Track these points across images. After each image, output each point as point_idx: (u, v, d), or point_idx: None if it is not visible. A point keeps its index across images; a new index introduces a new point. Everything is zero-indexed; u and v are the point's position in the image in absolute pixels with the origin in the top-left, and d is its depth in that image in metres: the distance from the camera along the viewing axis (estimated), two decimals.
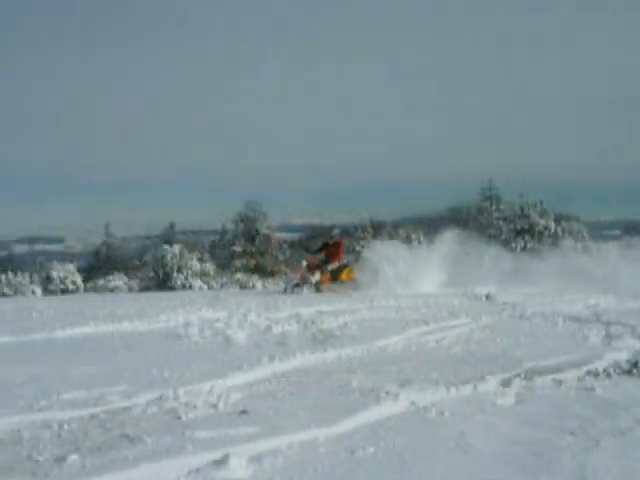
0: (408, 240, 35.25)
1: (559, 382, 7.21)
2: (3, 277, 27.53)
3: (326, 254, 20.37)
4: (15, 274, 28.07)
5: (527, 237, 31.43)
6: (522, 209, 32.64)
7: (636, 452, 5.08)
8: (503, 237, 32.69)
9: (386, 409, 6.02)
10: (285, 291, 20.02)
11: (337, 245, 20.50)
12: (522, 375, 7.43)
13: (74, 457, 4.66)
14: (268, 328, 11.24)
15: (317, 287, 19.73)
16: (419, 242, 34.95)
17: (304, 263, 20.36)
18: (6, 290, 26.37)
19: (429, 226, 49.48)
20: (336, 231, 21.16)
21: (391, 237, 35.73)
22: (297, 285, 19.94)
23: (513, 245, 32.39)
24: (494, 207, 34.98)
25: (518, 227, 31.83)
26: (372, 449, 4.91)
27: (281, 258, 35.94)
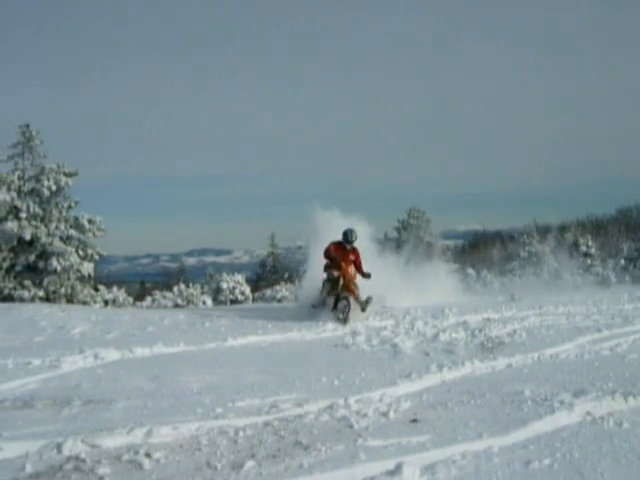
0: (576, 245, 34.15)
1: None
2: (176, 288, 28.52)
3: (342, 260, 14.81)
4: (187, 285, 29.03)
5: None
6: None
7: None
8: None
9: (561, 419, 5.85)
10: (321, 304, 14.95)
11: (357, 253, 15.18)
12: None
13: (250, 464, 4.76)
14: (435, 336, 11.17)
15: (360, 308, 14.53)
16: (587, 247, 33.79)
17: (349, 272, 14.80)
18: (179, 301, 27.31)
19: (598, 229, 47.84)
20: (356, 235, 15.22)
21: (557, 242, 34.69)
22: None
23: None
24: None
25: None
26: (548, 461, 4.76)
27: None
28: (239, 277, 29.69)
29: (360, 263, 15.10)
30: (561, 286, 28.64)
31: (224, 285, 28.67)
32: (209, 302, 27.31)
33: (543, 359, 9.08)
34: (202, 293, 28.60)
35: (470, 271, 31.23)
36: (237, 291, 28.71)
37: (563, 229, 40.52)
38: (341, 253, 14.92)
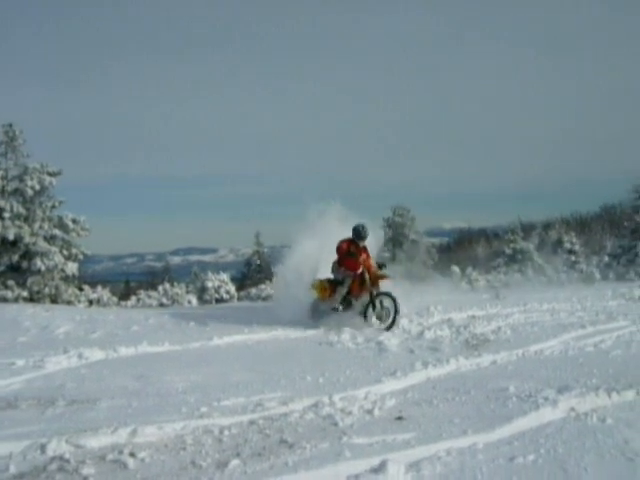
0: (560, 242, 34.26)
1: None
2: (161, 288, 28.42)
3: (354, 261, 13.27)
4: (172, 285, 28.92)
5: None
6: None
7: None
8: None
9: (545, 415, 5.87)
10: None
11: (367, 252, 13.70)
12: None
13: (235, 462, 4.76)
14: (420, 334, 11.20)
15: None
16: (571, 244, 33.91)
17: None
18: (164, 300, 27.20)
19: (582, 226, 48.12)
20: (368, 231, 13.74)
21: (542, 239, 34.80)
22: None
23: None
24: None
25: None
26: (532, 456, 4.78)
27: (430, 263, 35.61)
28: (224, 276, 29.61)
29: (370, 258, 13.57)
30: (545, 283, 28.78)
31: (209, 284, 28.57)
32: (194, 301, 27.22)
33: (527, 356, 9.11)
34: (187, 292, 28.50)
35: (455, 268, 31.24)
36: (222, 290, 28.63)
37: (547, 226, 40.70)
38: (354, 251, 13.35)
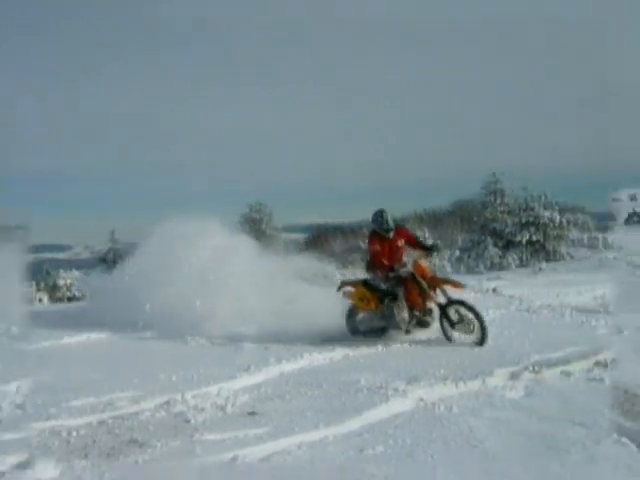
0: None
1: (567, 374, 7.16)
2: None
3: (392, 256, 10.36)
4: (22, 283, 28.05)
5: (532, 229, 31.03)
6: (526, 202, 32.31)
7: None
8: (508, 230, 32.48)
9: (395, 406, 6.02)
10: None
11: (403, 232, 10.90)
12: (531, 368, 7.36)
13: (83, 464, 4.67)
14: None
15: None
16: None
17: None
18: None
19: (435, 222, 49.44)
20: (388, 217, 10.40)
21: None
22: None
23: (518, 238, 32.23)
24: (498, 201, 34.65)
25: (523, 220, 31.46)
26: (381, 447, 4.90)
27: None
28: (77, 273, 28.94)
29: (414, 239, 10.90)
30: None
31: (61, 282, 27.87)
32: (45, 300, 26.48)
33: (380, 349, 9.24)
34: (38, 290, 27.69)
35: None
36: (75, 288, 27.96)
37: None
38: (385, 248, 10.40)
